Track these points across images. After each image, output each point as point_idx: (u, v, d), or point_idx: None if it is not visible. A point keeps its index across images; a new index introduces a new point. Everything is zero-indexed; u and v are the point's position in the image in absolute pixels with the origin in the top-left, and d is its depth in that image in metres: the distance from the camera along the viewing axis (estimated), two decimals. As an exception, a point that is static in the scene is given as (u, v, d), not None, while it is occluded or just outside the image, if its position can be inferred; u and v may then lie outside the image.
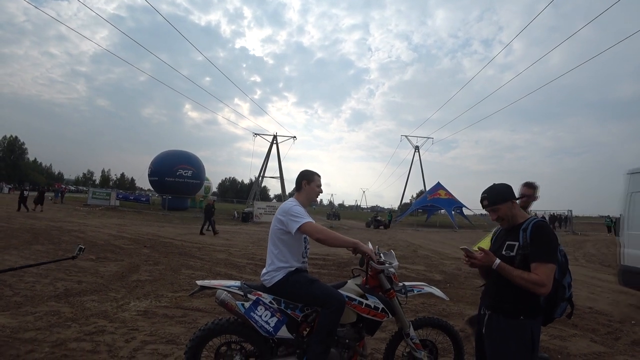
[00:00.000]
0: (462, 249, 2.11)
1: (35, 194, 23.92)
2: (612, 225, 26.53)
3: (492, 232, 2.48)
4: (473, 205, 36.34)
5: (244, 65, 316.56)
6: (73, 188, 72.37)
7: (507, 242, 2.05)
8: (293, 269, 2.59)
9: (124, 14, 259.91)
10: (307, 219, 2.54)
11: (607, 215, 35.40)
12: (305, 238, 2.69)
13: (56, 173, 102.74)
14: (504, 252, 2.03)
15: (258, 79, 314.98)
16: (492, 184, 2.15)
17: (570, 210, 31.64)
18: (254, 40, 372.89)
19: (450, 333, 2.91)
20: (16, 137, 77.88)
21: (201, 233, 15.23)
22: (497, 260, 1.95)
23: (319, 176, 2.86)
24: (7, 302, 4.46)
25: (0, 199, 32.50)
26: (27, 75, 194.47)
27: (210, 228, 15.84)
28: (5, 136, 76.98)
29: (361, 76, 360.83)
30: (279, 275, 2.55)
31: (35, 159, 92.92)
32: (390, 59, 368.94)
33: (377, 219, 31.33)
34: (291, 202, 2.69)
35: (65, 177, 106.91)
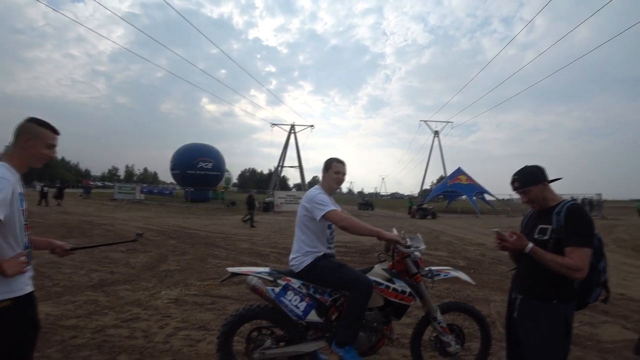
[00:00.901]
0: (493, 231, 2.08)
1: (54, 190, 25.17)
2: None
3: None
4: (495, 190, 35.56)
5: (258, 56, 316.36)
6: (100, 184, 75.03)
7: (540, 226, 2.00)
8: (321, 254, 2.64)
9: (138, 12, 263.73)
10: (331, 207, 2.57)
11: (639, 199, 33.95)
12: (330, 225, 2.72)
13: (83, 170, 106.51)
14: (536, 236, 1.98)
15: (273, 69, 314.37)
16: (523, 166, 2.09)
17: (600, 194, 30.51)
18: (266, 30, 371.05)
19: (477, 318, 2.90)
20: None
21: (252, 226, 15.10)
22: (530, 244, 1.92)
23: (339, 162, 2.84)
24: (49, 292, 4.72)
25: (34, 196, 34.06)
26: (51, 77, 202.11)
27: (247, 219, 15.93)
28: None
29: (377, 61, 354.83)
30: (307, 260, 2.61)
31: (64, 157, 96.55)
32: (406, 43, 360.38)
33: (421, 207, 26.34)
34: (315, 190, 2.73)
35: (92, 173, 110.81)
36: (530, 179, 2.01)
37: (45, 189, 22.79)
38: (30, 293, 1.75)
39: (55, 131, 1.91)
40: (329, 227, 2.74)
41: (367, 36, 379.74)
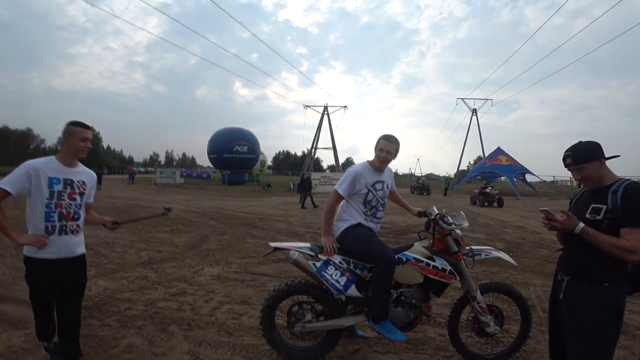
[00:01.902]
0: (542, 210, 1.99)
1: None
2: None
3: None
4: (538, 171, 33.62)
5: (289, 38, 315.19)
6: (142, 170, 79.15)
7: (593, 205, 1.89)
8: (355, 222, 2.75)
9: (170, 1, 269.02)
10: (339, 187, 2.77)
11: None
12: (370, 200, 2.79)
13: (127, 157, 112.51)
14: (588, 216, 1.88)
15: (304, 50, 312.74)
16: (578, 141, 1.96)
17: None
18: (296, 11, 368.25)
19: (518, 300, 2.84)
20: (93, 127, 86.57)
21: (302, 207, 15.50)
22: (581, 224, 1.82)
23: (386, 139, 2.79)
24: (105, 269, 5.13)
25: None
26: (93, 70, 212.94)
27: (301, 201, 16.27)
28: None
29: (410, 37, 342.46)
30: (343, 226, 2.75)
31: (109, 145, 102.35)
32: (442, 16, 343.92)
33: (484, 190, 19.85)
34: (355, 166, 2.90)
35: (135, 160, 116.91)
36: (585, 155, 1.88)
37: None
38: (61, 260, 2.31)
39: (86, 127, 2.41)
40: (369, 201, 2.79)
41: (400, 11, 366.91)
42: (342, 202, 2.85)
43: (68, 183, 2.35)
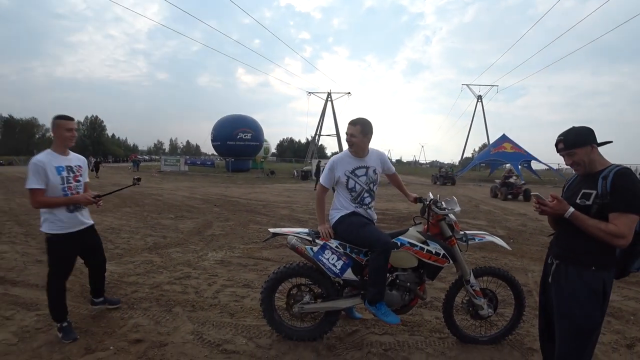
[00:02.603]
0: (533, 195, 2.04)
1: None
2: None
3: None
4: (545, 159, 33.27)
5: (292, 23, 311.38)
6: (147, 157, 79.63)
7: (583, 190, 1.92)
8: (349, 211, 2.82)
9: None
10: (323, 180, 2.89)
11: None
12: (353, 187, 2.85)
13: (131, 145, 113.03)
14: (578, 201, 1.92)
15: (307, 36, 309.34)
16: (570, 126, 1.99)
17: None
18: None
19: (511, 284, 2.90)
20: (96, 116, 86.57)
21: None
22: (571, 209, 1.87)
23: (349, 123, 2.81)
24: (111, 254, 5.25)
25: (90, 172, 36.85)
26: (95, 58, 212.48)
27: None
28: (87, 116, 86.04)
29: (415, 22, 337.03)
30: (337, 215, 2.83)
31: (114, 134, 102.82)
32: (448, 0, 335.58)
33: (508, 180, 16.83)
34: (335, 155, 3.01)
35: (140, 148, 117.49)
36: (577, 140, 1.90)
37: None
38: (79, 231, 2.91)
39: (69, 119, 2.84)
40: (352, 188, 2.84)
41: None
42: (336, 192, 2.94)
43: (69, 169, 2.87)
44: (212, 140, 38.02)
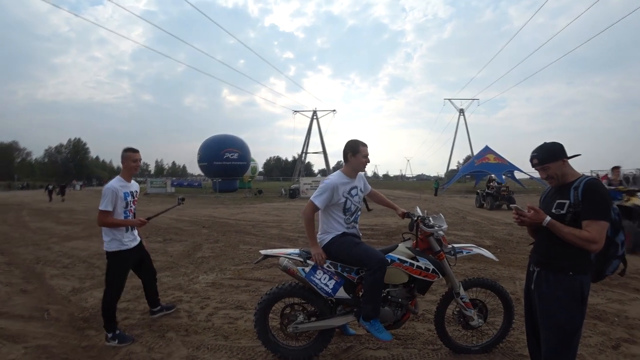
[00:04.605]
0: (512, 207, 2.16)
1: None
2: None
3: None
4: (527, 168, 34.15)
5: (276, 43, 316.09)
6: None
7: (558, 201, 2.06)
8: (340, 232, 2.83)
9: (154, 9, 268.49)
10: (316, 198, 2.77)
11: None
12: (349, 207, 2.87)
13: (116, 168, 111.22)
14: (553, 210, 2.05)
15: (291, 55, 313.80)
16: (542, 142, 2.15)
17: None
18: (282, 16, 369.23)
19: (500, 293, 2.98)
20: (79, 138, 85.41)
21: None
22: (547, 218, 1.99)
23: (365, 145, 2.89)
24: (100, 281, 5.15)
25: (74, 195, 36.12)
26: (77, 81, 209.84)
27: None
28: (70, 139, 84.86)
29: (396, 40, 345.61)
30: (328, 238, 2.83)
31: (97, 156, 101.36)
32: (427, 18, 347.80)
33: (501, 190, 15.83)
34: (330, 176, 2.91)
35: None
36: (549, 155, 2.06)
37: (51, 187, 27.41)
38: (134, 247, 3.44)
39: (134, 151, 3.43)
40: (348, 208, 2.87)
41: (385, 14, 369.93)
42: (321, 214, 2.90)
43: (132, 194, 3.43)
44: (199, 161, 37.87)
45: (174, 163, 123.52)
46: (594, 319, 3.61)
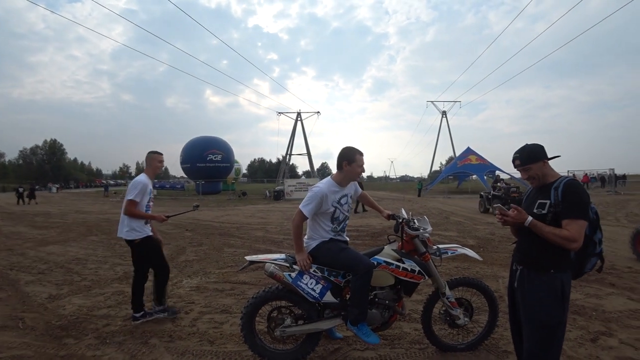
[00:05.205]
0: (495, 206, 2.21)
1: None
2: None
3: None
4: (508, 167, 35.08)
5: (259, 44, 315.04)
6: (112, 182, 76.60)
7: (539, 201, 2.11)
8: (327, 239, 2.82)
9: (135, 7, 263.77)
10: (305, 206, 2.72)
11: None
12: (337, 217, 2.85)
13: (95, 170, 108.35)
14: (535, 210, 2.10)
15: (275, 57, 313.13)
16: (524, 144, 2.20)
17: (612, 169, 30.01)
18: (266, 17, 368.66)
19: (484, 292, 3.03)
20: (55, 139, 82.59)
21: (355, 212, 15.26)
22: (529, 218, 2.04)
23: (361, 154, 2.83)
24: (78, 286, 5.01)
25: (50, 198, 34.95)
26: (55, 80, 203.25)
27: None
28: (46, 140, 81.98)
29: (380, 42, 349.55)
30: (314, 243, 2.81)
31: (76, 158, 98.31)
32: (410, 21, 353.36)
33: (510, 191, 13.86)
34: (319, 184, 2.85)
35: (104, 172, 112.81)
36: (530, 156, 2.11)
37: (21, 190, 25.82)
38: (151, 235, 3.77)
39: (159, 154, 3.92)
40: (337, 217, 2.85)
41: (369, 16, 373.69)
42: (309, 220, 2.85)
43: (152, 191, 3.81)
44: (182, 163, 37.26)
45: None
46: (574, 314, 3.72)
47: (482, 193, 15.79)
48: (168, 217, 3.86)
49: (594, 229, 2.09)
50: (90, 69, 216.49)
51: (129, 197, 3.52)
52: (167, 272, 3.90)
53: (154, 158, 3.83)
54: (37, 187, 31.56)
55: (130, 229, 3.62)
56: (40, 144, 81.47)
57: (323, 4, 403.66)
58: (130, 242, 3.66)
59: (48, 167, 76.43)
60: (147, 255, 3.76)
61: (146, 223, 3.71)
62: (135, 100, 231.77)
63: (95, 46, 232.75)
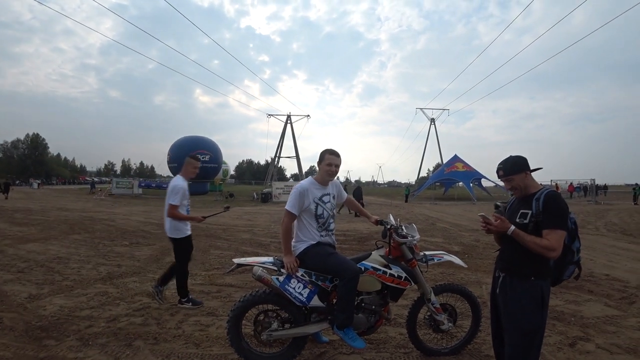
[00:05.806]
0: (480, 215, 2.28)
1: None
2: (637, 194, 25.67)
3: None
4: (492, 176, 35.80)
5: (251, 45, 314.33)
6: (97, 179, 75.18)
7: (521, 211, 2.20)
8: (315, 242, 2.85)
9: (126, 2, 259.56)
10: (289, 205, 2.82)
11: (634, 183, 34.56)
12: (321, 214, 2.89)
13: (79, 166, 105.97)
14: (517, 220, 2.18)
15: (266, 59, 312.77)
16: (508, 155, 2.28)
17: (594, 179, 30.93)
18: (259, 18, 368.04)
19: (468, 298, 3.10)
20: (37, 134, 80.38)
21: (356, 215, 15.47)
22: (512, 227, 2.12)
23: (331, 154, 2.92)
24: (60, 286, 4.90)
25: (31, 194, 34.03)
26: (40, 72, 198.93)
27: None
28: (27, 134, 79.74)
29: (371, 48, 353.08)
30: (302, 247, 2.84)
31: (59, 153, 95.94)
32: (401, 28, 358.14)
33: None
34: (301, 182, 2.96)
35: (88, 169, 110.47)
36: (513, 168, 2.20)
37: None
38: (190, 234, 4.22)
39: (197, 159, 4.33)
40: (320, 214, 2.89)
41: (361, 22, 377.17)
42: (296, 222, 2.92)
43: (188, 191, 4.13)
44: (169, 162, 36.77)
45: (142, 163, 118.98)
46: (553, 320, 3.82)
47: (498, 203, 16.96)
48: (204, 217, 4.23)
49: (573, 238, 2.18)
50: (77, 63, 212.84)
51: (171, 201, 3.88)
52: (184, 269, 4.24)
53: (192, 163, 4.20)
54: (17, 182, 30.68)
55: (174, 229, 4.03)
56: (22, 137, 79.32)
57: (316, 8, 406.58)
58: (174, 240, 4.07)
59: (29, 162, 74.38)
60: (187, 251, 4.16)
61: (185, 223, 4.13)
62: (123, 97, 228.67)
63: (83, 40, 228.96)
